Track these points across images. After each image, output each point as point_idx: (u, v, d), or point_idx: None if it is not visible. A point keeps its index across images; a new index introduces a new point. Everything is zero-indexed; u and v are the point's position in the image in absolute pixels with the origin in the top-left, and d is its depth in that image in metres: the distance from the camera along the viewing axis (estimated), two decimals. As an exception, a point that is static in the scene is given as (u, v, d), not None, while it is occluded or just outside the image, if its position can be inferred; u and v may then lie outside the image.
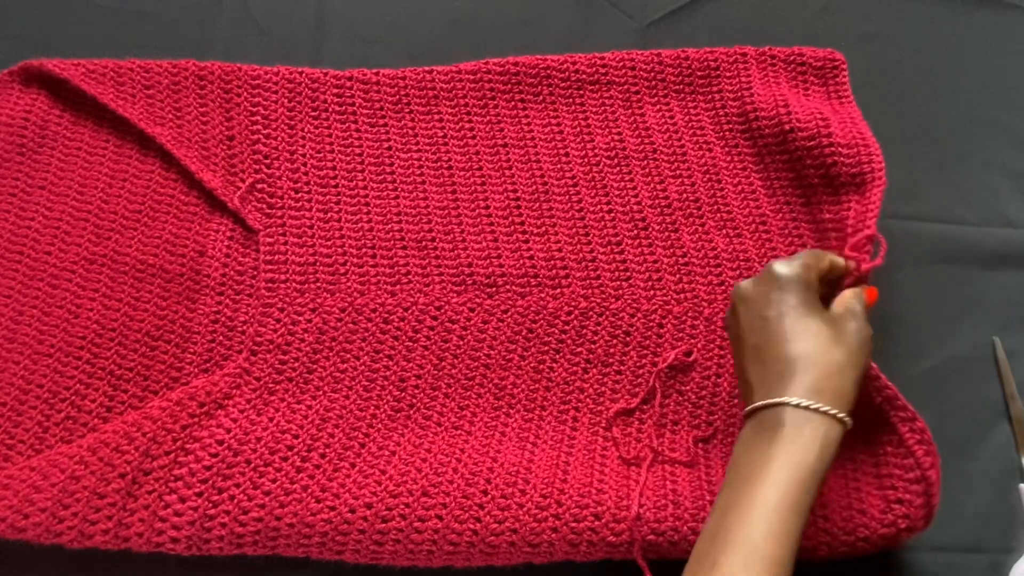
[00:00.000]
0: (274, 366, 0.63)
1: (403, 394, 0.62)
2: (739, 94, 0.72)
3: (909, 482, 0.54)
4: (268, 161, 0.70)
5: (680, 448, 0.60)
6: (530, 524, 0.55)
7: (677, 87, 0.73)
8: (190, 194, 0.69)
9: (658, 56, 0.74)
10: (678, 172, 0.70)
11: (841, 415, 0.47)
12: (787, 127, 0.68)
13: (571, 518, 0.55)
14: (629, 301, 0.66)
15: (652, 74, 0.74)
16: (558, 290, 0.66)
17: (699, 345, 0.64)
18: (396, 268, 0.67)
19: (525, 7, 0.81)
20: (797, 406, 0.47)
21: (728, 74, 0.73)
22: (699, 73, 0.74)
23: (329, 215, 0.68)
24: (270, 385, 0.62)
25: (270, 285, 0.66)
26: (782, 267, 0.52)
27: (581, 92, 0.74)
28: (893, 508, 0.54)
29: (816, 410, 0.46)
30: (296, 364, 0.63)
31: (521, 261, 0.67)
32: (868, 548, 0.54)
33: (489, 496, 0.56)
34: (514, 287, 0.66)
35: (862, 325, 0.51)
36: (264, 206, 0.69)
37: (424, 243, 0.68)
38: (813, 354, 0.48)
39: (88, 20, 0.78)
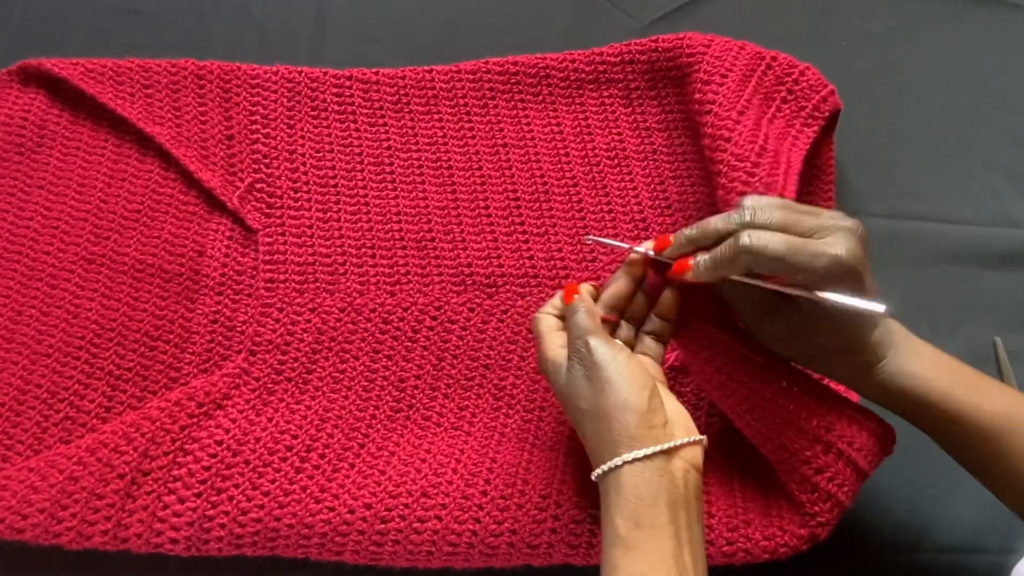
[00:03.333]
0: (273, 366, 0.63)
1: (402, 394, 0.62)
2: (706, 81, 0.66)
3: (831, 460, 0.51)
4: (267, 161, 0.70)
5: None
6: (529, 525, 0.55)
7: (674, 75, 0.71)
8: (189, 194, 0.69)
9: (655, 43, 0.72)
10: (678, 173, 0.70)
11: (661, 447, 0.45)
12: (703, 137, 0.64)
13: (569, 519, 0.55)
14: (629, 301, 0.65)
15: (650, 66, 0.72)
16: (558, 290, 0.66)
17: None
18: (395, 268, 0.67)
19: (525, 7, 0.80)
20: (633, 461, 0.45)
21: (714, 55, 0.68)
22: (694, 57, 0.70)
23: (328, 215, 0.68)
24: (269, 385, 0.62)
25: (269, 285, 0.66)
26: (548, 354, 0.51)
27: (581, 92, 0.73)
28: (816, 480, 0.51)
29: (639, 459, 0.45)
30: (295, 364, 0.63)
31: (521, 261, 0.67)
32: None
33: (488, 497, 0.56)
34: (514, 287, 0.66)
35: (575, 362, 0.48)
36: (263, 206, 0.69)
37: (424, 243, 0.67)
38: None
39: (87, 19, 0.78)
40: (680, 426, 0.47)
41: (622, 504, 0.44)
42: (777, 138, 0.64)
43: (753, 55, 0.68)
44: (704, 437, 0.47)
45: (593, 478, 0.47)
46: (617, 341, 0.51)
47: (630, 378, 0.46)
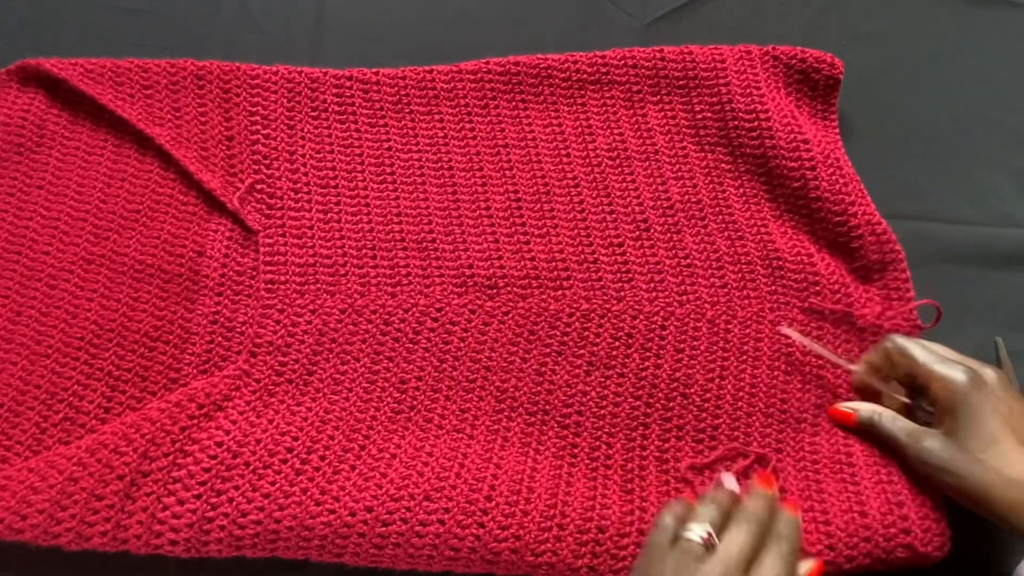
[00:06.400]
0: (274, 368, 0.62)
1: (403, 396, 0.62)
2: (745, 92, 0.71)
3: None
4: (267, 161, 0.70)
5: (685, 456, 0.60)
6: (534, 532, 0.54)
7: (680, 83, 0.73)
8: (189, 194, 0.69)
9: (660, 53, 0.73)
10: (680, 173, 0.70)
11: None
12: (768, 142, 0.69)
13: (575, 529, 0.55)
14: (631, 303, 0.65)
15: (654, 72, 0.73)
16: (559, 292, 0.66)
17: (702, 347, 0.63)
18: (396, 269, 0.66)
19: (526, 6, 0.80)
20: None
21: (734, 70, 0.72)
22: (703, 68, 0.72)
23: (329, 216, 0.68)
24: (269, 387, 0.62)
25: (269, 286, 0.65)
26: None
27: (582, 92, 0.73)
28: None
29: None
30: (296, 366, 0.63)
31: (522, 262, 0.67)
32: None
33: (493, 502, 0.55)
34: (515, 288, 0.66)
35: None
36: (263, 206, 0.68)
37: (425, 244, 0.67)
38: None
39: (86, 19, 0.77)
40: None
41: None
42: (815, 133, 0.71)
43: (762, 56, 0.73)
44: None
45: None
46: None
47: None
